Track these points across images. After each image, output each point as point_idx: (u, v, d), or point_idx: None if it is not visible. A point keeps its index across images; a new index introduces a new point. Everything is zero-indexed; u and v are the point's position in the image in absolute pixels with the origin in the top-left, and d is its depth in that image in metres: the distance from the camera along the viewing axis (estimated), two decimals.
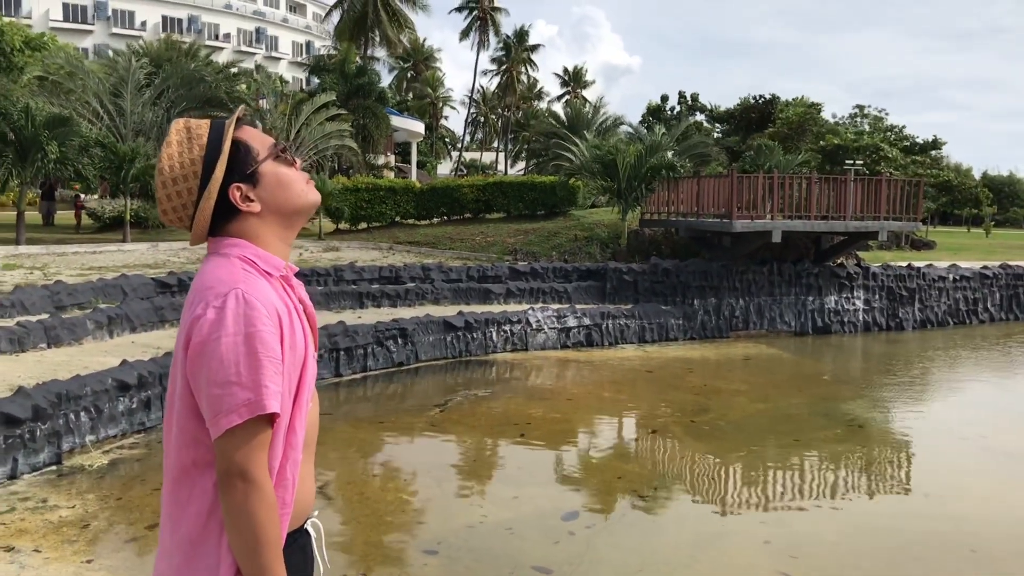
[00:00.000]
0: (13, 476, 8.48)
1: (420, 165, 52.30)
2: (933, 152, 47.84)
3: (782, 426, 11.87)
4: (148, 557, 6.56)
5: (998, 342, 20.33)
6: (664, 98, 56.79)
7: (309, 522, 1.97)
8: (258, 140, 1.94)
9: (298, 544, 1.90)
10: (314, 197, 1.99)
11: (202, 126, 1.89)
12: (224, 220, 1.88)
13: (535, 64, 70.74)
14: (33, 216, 26.55)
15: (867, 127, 46.94)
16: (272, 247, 1.90)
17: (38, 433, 8.86)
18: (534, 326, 16.97)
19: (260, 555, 1.70)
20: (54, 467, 8.92)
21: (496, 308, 17.57)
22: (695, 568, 6.95)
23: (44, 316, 12.47)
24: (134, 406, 10.37)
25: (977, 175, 74.93)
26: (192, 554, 1.75)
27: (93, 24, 68.25)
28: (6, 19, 18.29)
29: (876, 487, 9.46)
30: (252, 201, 1.88)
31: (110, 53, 49.77)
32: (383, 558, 6.95)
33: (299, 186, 1.95)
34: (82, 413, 9.61)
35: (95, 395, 9.77)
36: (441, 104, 74.94)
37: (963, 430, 12.24)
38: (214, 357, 1.69)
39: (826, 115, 46.06)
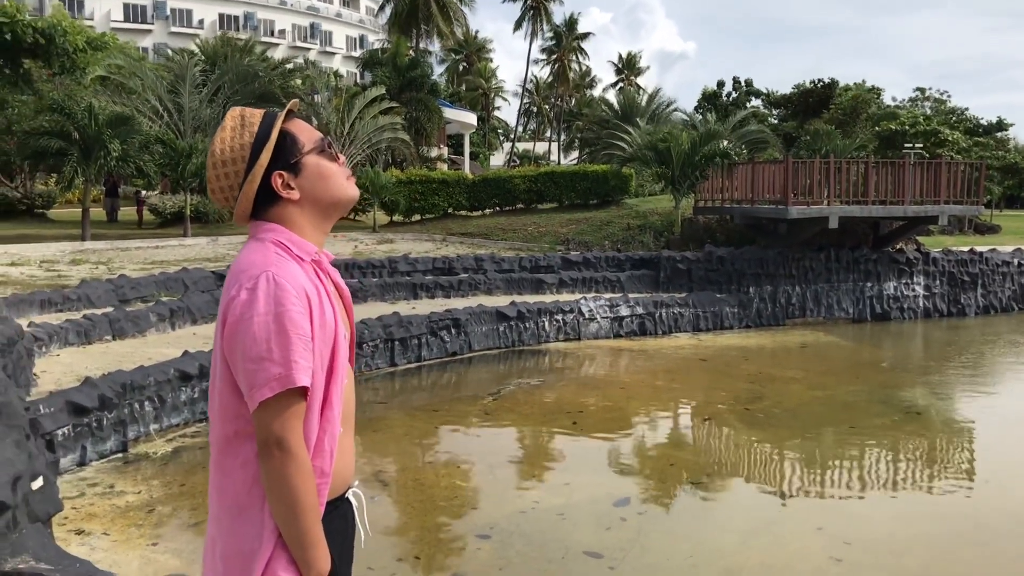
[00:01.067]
0: (82, 463, 8.79)
1: (473, 156, 52.51)
2: (999, 134, 46.54)
3: (838, 414, 11.74)
4: None
5: None
6: (720, 84, 56.19)
7: (351, 491, 2.06)
8: (306, 133, 2.04)
9: (339, 511, 2.00)
10: (352, 192, 2.10)
11: (255, 115, 2.00)
12: (266, 205, 1.99)
13: (585, 52, 70.44)
14: (97, 212, 27.30)
15: (928, 110, 45.93)
16: (307, 234, 2.01)
17: (105, 422, 9.16)
18: (586, 315, 16.98)
19: (298, 520, 1.80)
20: (120, 455, 9.21)
21: (548, 298, 17.62)
22: (746, 554, 6.94)
23: (109, 309, 12.84)
24: (196, 396, 10.63)
25: None
26: (237, 518, 1.87)
27: (152, 23, 69.72)
28: (68, 20, 18.87)
29: (933, 474, 9.32)
30: (292, 189, 1.99)
31: (169, 52, 50.89)
32: (437, 542, 7.08)
33: (339, 180, 2.06)
34: (146, 403, 9.90)
35: (158, 385, 10.05)
36: (493, 95, 75.07)
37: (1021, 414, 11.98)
38: (247, 335, 1.80)
39: (887, 99, 45.19)
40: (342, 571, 1.95)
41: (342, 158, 2.12)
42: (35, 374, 9.75)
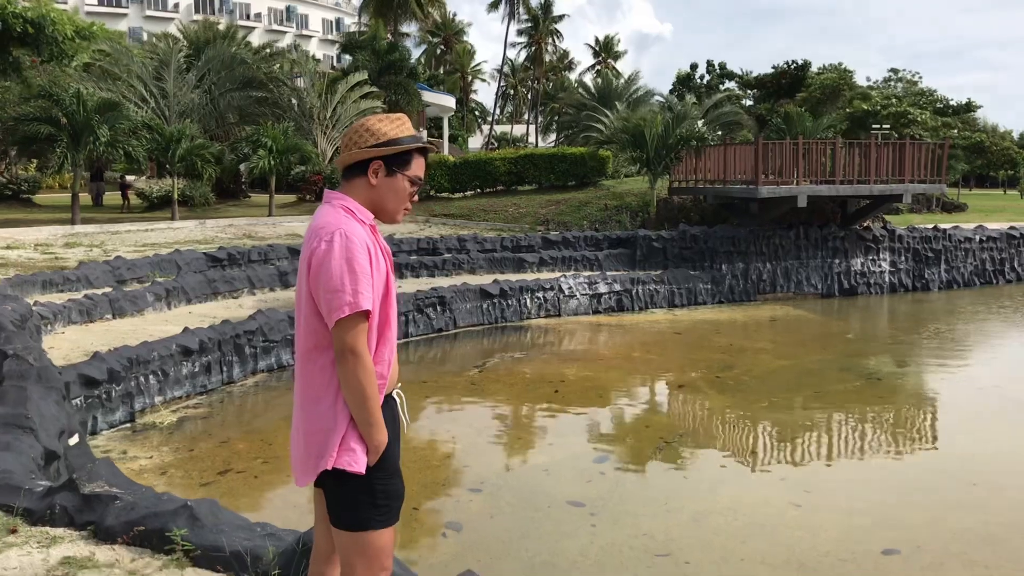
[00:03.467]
0: (93, 432, 9.33)
1: (452, 139, 52.83)
2: (968, 114, 47.51)
3: (803, 380, 12.48)
4: (223, 499, 7.37)
5: (1022, 300, 20.65)
6: (693, 67, 56.66)
7: (395, 392, 2.70)
8: (417, 165, 2.68)
9: (388, 404, 2.66)
10: (396, 219, 2.72)
11: (409, 128, 2.66)
12: (355, 173, 2.63)
13: (561, 35, 70.74)
14: (83, 197, 27.57)
15: (901, 91, 46.78)
16: (364, 207, 2.67)
17: (113, 394, 9.70)
18: (566, 293, 17.63)
19: (365, 405, 2.47)
20: (128, 424, 9.75)
21: (530, 276, 18.25)
22: (716, 500, 7.64)
23: (108, 289, 13.32)
24: (196, 370, 11.19)
25: (1017, 136, 73.94)
26: (318, 406, 2.52)
27: (127, 7, 69.28)
28: (57, 10, 19.15)
29: (889, 431, 10.07)
30: (376, 179, 2.62)
31: (144, 36, 50.61)
32: (432, 495, 7.72)
33: (398, 204, 2.67)
34: (151, 376, 10.43)
35: (162, 359, 10.59)
36: (471, 78, 75.28)
37: (980, 381, 12.80)
38: (327, 274, 2.43)
39: (860, 80, 45.94)
40: (394, 446, 2.60)
41: (415, 199, 2.77)
42: (43, 350, 10.25)
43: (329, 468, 2.48)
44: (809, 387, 12.09)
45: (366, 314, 2.47)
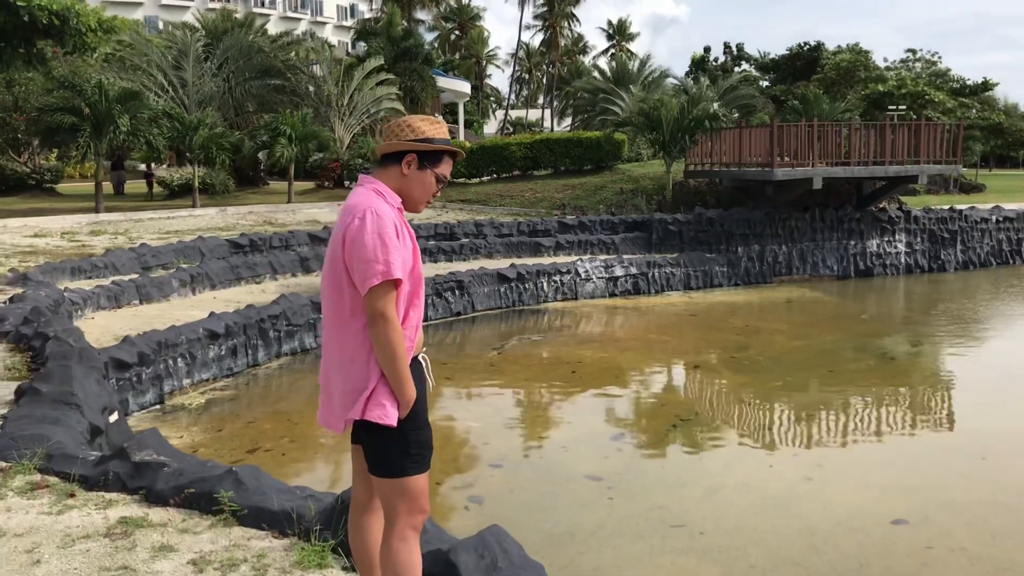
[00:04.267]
0: (125, 413, 9.62)
1: (467, 125, 52.95)
2: (985, 94, 47.17)
3: (817, 360, 12.66)
4: None
5: None
6: (707, 49, 56.64)
7: (421, 356, 3.00)
8: (446, 165, 2.99)
9: (416, 365, 2.94)
10: (419, 208, 3.01)
11: (443, 130, 2.96)
12: (390, 162, 2.92)
13: (577, 19, 70.65)
14: (104, 186, 27.95)
15: (919, 71, 46.48)
16: (393, 192, 2.96)
17: (144, 376, 10.00)
18: (583, 276, 17.84)
19: (395, 364, 2.73)
20: (158, 406, 10.06)
21: (546, 260, 18.47)
22: (729, 475, 7.87)
23: (134, 276, 13.65)
24: (223, 353, 11.49)
25: None
26: (351, 366, 2.80)
27: None
28: (81, 3, 19.46)
29: (901, 409, 10.26)
30: (408, 170, 2.92)
31: (160, 25, 50.86)
32: (454, 471, 7.98)
33: (421, 195, 2.96)
34: (179, 359, 10.74)
35: (189, 343, 10.89)
36: (486, 63, 75.30)
37: (990, 360, 12.95)
38: (361, 246, 2.70)
39: (877, 60, 45.68)
40: (422, 402, 2.88)
41: (437, 194, 3.06)
42: (81, 332, 10.56)
43: (359, 418, 2.76)
44: (823, 367, 12.28)
45: (396, 282, 2.74)
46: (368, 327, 2.75)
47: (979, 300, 18.51)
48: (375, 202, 2.80)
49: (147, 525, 3.80)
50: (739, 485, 7.60)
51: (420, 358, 2.96)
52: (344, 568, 3.41)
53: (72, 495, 4.15)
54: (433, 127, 2.94)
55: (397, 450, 2.79)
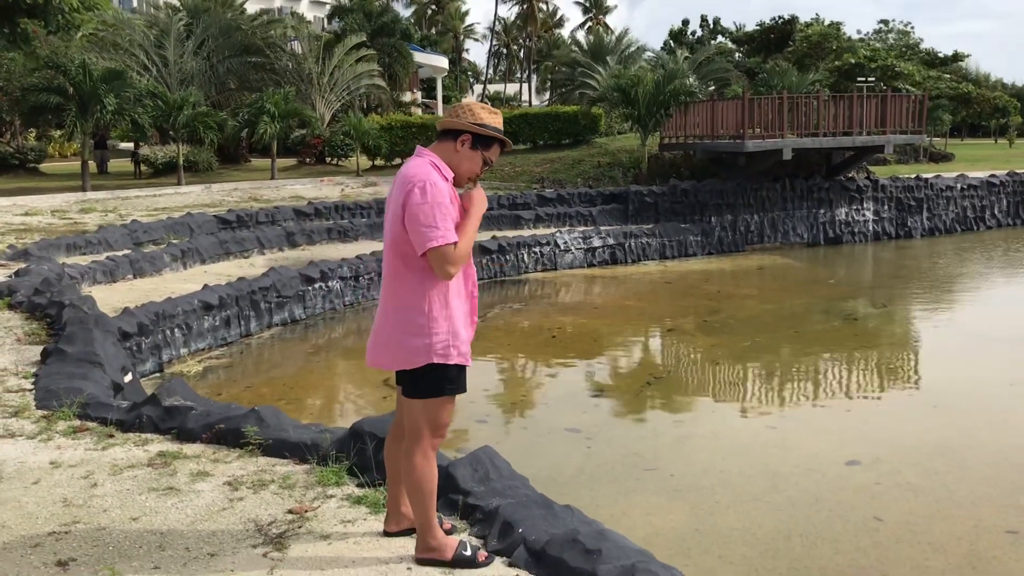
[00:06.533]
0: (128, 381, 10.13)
1: (445, 100, 53.21)
2: (956, 64, 47.92)
3: (785, 322, 13.32)
4: None
5: (1000, 245, 21.48)
6: (685, 22, 57.21)
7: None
8: (494, 150, 3.40)
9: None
10: (459, 185, 3.38)
11: (499, 120, 3.38)
12: (448, 138, 3.37)
13: None
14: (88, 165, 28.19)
15: (892, 42, 47.12)
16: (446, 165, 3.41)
17: (143, 345, 10.47)
18: (562, 247, 18.41)
19: (468, 240, 3.21)
20: (158, 374, 10.54)
21: (526, 232, 19.01)
22: (698, 425, 8.51)
23: (127, 251, 14.07)
24: (217, 324, 11.99)
25: (1010, 84, 74.32)
26: (408, 313, 3.23)
27: None
28: None
29: (862, 365, 10.94)
30: (461, 148, 3.35)
31: (134, 3, 50.64)
32: None
33: (469, 171, 3.37)
34: (176, 329, 11.23)
35: (185, 314, 11.37)
36: (463, 37, 75.34)
37: (951, 319, 13.67)
38: (420, 212, 3.10)
39: (850, 31, 46.28)
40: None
41: (482, 174, 3.50)
42: (94, 300, 11.02)
43: (423, 364, 3.21)
44: (791, 328, 12.94)
45: (453, 244, 3.18)
46: (433, 273, 3.19)
47: (942, 265, 19.24)
48: (431, 173, 3.21)
49: (183, 457, 4.36)
50: (708, 434, 8.22)
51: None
52: (359, 485, 3.98)
53: (111, 436, 4.69)
54: (490, 116, 3.38)
55: (439, 376, 3.25)
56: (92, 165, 26.64)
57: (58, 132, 22.32)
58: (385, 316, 3.33)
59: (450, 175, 3.32)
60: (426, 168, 3.25)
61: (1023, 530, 6.06)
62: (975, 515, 6.33)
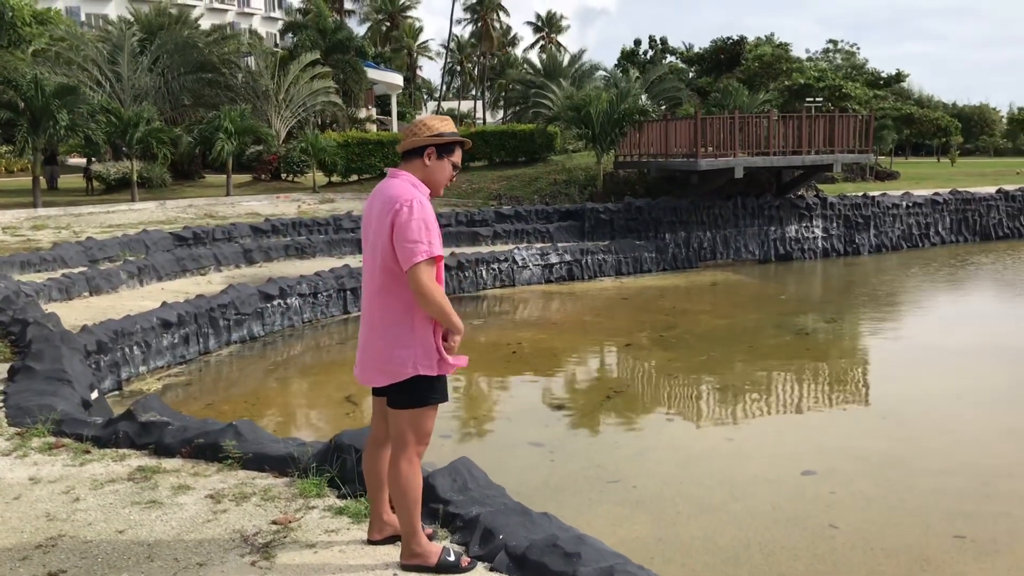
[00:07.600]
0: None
1: (400, 116, 53.32)
2: (898, 84, 49.27)
3: (739, 336, 13.63)
4: None
5: (945, 262, 22.14)
6: (637, 42, 57.92)
7: None
8: (458, 155, 3.56)
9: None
10: (438, 193, 3.58)
11: (451, 125, 3.54)
12: (413, 156, 3.51)
13: (506, 10, 71.37)
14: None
15: (839, 62, 48.29)
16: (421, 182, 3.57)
17: (102, 363, 10.39)
18: (520, 264, 18.60)
19: (445, 312, 3.31)
20: (116, 392, 10.47)
21: (484, 249, 19.16)
22: (659, 438, 8.71)
23: (83, 268, 13.95)
24: (176, 341, 11.93)
25: (950, 104, 76.55)
26: (396, 327, 3.36)
27: None
28: None
29: (814, 378, 11.25)
30: (429, 161, 3.50)
31: (82, 15, 49.95)
32: None
33: (442, 180, 3.54)
34: (135, 347, 11.16)
35: (144, 332, 11.31)
36: (417, 55, 75.54)
37: (899, 333, 14.10)
38: (408, 229, 3.24)
39: (799, 51, 47.33)
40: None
41: (452, 179, 3.65)
42: (58, 317, 10.89)
43: (411, 375, 3.32)
44: (745, 343, 13.24)
45: (438, 259, 3.34)
46: (416, 294, 3.28)
47: (889, 281, 19.78)
48: (416, 192, 3.37)
49: (163, 471, 4.42)
50: (668, 447, 8.43)
51: None
52: (340, 496, 4.08)
53: (88, 452, 4.73)
54: (443, 123, 3.54)
55: (424, 386, 3.37)
56: (42, 181, 26.30)
57: (4, 147, 21.91)
58: (373, 331, 3.45)
59: (427, 191, 3.47)
60: (408, 187, 3.40)
61: (970, 535, 6.33)
62: (924, 521, 6.60)
